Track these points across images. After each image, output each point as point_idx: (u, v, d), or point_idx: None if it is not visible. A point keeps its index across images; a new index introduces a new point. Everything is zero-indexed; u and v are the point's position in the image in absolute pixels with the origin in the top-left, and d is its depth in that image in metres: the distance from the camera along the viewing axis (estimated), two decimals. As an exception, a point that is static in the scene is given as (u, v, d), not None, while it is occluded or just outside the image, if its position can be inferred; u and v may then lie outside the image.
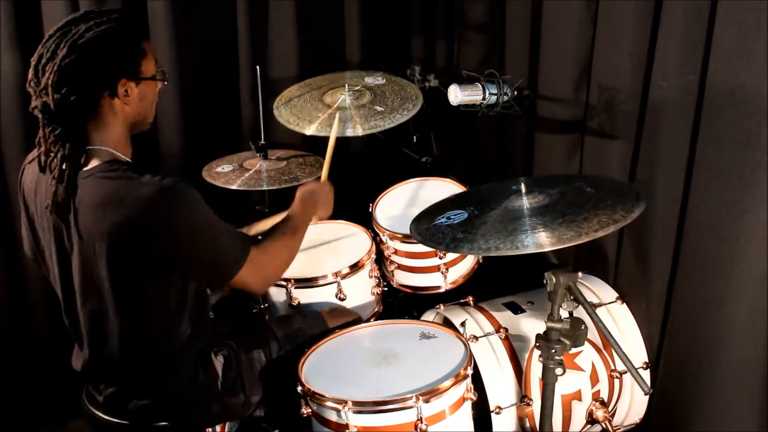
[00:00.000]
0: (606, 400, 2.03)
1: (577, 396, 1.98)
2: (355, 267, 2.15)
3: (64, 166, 1.61)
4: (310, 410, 1.74)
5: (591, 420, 2.01)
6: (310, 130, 2.35)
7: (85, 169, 1.63)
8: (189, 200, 1.62)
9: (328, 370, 1.81)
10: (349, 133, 2.34)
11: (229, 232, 1.73)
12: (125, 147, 1.72)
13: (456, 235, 1.62)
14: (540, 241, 1.49)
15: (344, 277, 2.12)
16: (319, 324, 2.02)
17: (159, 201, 1.58)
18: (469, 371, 1.75)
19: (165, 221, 1.60)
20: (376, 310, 2.26)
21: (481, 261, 2.33)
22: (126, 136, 1.72)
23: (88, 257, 1.63)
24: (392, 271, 2.33)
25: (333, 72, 2.66)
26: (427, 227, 1.73)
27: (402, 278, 2.33)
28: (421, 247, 2.18)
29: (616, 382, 2.04)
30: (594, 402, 2.01)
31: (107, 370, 1.76)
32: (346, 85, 2.48)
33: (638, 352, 2.09)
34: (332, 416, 1.70)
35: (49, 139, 1.62)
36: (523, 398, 1.94)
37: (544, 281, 1.61)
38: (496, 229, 1.57)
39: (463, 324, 1.99)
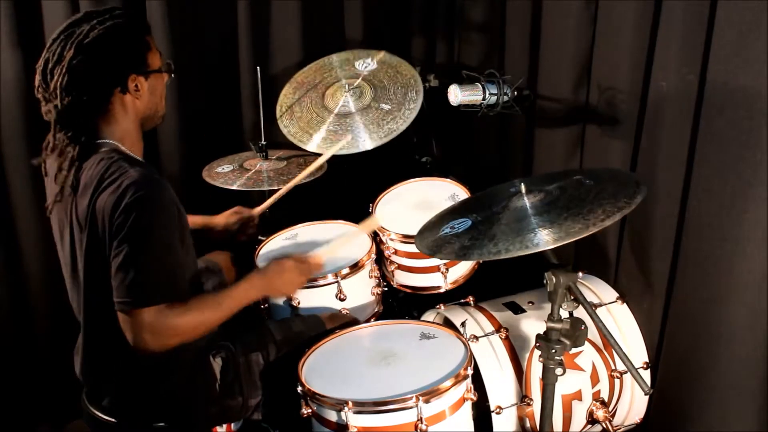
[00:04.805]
0: (606, 400, 2.03)
1: (578, 396, 1.98)
2: (355, 267, 2.15)
3: (73, 166, 1.62)
4: (310, 410, 1.74)
5: (591, 420, 2.01)
6: (314, 144, 2.39)
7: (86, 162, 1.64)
8: (153, 202, 1.56)
9: (328, 370, 1.81)
10: (369, 146, 2.36)
11: (166, 267, 1.57)
12: (134, 143, 1.72)
13: (464, 243, 1.61)
14: (548, 237, 1.48)
15: (344, 277, 2.11)
16: (318, 328, 2.01)
17: (128, 190, 1.54)
18: (470, 371, 1.75)
19: (125, 211, 1.53)
20: (376, 310, 2.25)
21: (481, 261, 2.33)
22: (136, 132, 1.73)
23: (80, 246, 1.64)
24: (392, 271, 2.33)
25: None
26: (433, 239, 1.72)
27: (402, 278, 2.33)
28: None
29: (617, 382, 2.04)
30: (594, 402, 2.01)
31: (104, 369, 1.76)
32: (346, 86, 2.47)
33: (638, 352, 2.09)
34: (332, 416, 1.69)
35: (62, 142, 1.63)
36: (524, 398, 1.94)
37: (544, 281, 1.61)
38: (503, 233, 1.56)
39: (463, 324, 1.98)
